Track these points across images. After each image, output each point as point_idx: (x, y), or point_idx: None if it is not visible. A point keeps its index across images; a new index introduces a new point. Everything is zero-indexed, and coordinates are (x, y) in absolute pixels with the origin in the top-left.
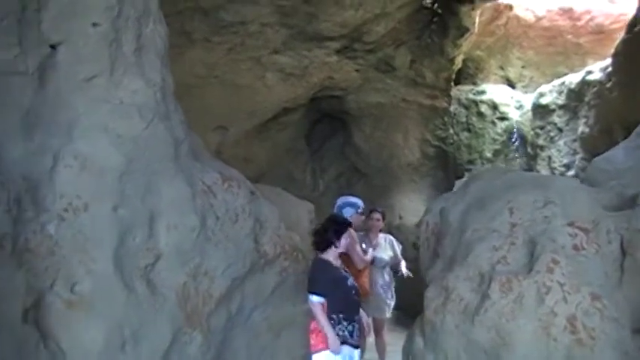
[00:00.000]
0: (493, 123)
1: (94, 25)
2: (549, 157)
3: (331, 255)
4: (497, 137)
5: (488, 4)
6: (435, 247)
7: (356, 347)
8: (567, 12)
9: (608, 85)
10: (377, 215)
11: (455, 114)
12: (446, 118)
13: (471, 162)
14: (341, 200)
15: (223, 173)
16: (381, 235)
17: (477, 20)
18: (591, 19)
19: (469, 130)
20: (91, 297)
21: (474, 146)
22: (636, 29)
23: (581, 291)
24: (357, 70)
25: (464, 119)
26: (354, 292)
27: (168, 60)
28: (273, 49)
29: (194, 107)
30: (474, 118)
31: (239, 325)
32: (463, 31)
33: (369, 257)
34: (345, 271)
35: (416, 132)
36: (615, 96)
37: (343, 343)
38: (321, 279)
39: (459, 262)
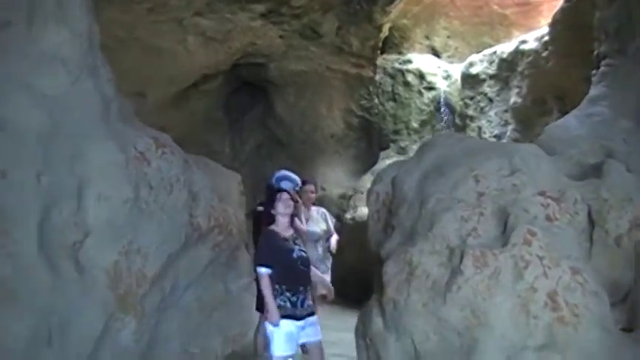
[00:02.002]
0: (420, 93)
1: None
2: (479, 128)
3: (280, 225)
4: (423, 107)
5: None
6: (388, 219)
7: (300, 318)
8: None
9: (544, 55)
10: (310, 187)
11: (380, 83)
12: (371, 88)
13: (396, 132)
14: (279, 174)
15: (157, 139)
16: (314, 208)
17: None
18: None
19: (395, 100)
20: (13, 284)
21: (400, 116)
22: None
23: (561, 265)
24: (281, 37)
25: (389, 89)
26: (300, 262)
27: (94, 6)
28: (195, 10)
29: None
30: (400, 88)
31: (172, 306)
32: None
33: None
34: (295, 241)
35: (340, 102)
36: (551, 65)
37: (284, 316)
38: (264, 250)
39: (422, 234)
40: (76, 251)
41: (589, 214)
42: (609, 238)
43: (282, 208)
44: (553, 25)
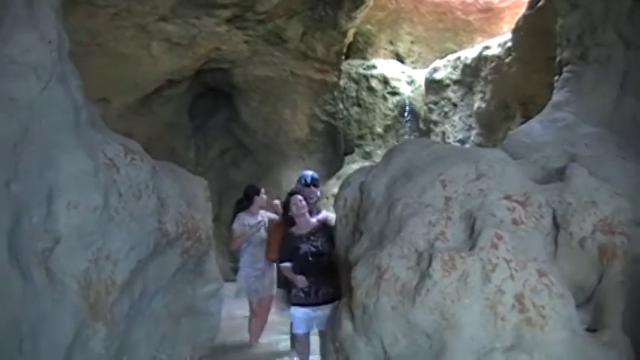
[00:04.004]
0: (384, 98)
1: None
2: (443, 133)
3: (299, 225)
4: (388, 112)
5: None
6: (356, 224)
7: (314, 305)
8: None
9: (507, 60)
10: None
11: (345, 88)
12: (336, 93)
13: (361, 137)
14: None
15: (126, 145)
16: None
17: None
18: None
19: (359, 105)
20: None
21: (365, 121)
22: (539, 5)
23: (527, 267)
24: (245, 42)
25: (354, 94)
26: (308, 256)
27: (62, 13)
28: (160, 16)
29: None
30: (365, 93)
31: (140, 313)
32: (358, 3)
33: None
34: (311, 237)
35: (305, 107)
36: (514, 71)
37: (298, 304)
38: (283, 250)
39: (391, 238)
40: (46, 258)
41: (554, 217)
42: (573, 240)
43: (295, 209)
44: (516, 31)
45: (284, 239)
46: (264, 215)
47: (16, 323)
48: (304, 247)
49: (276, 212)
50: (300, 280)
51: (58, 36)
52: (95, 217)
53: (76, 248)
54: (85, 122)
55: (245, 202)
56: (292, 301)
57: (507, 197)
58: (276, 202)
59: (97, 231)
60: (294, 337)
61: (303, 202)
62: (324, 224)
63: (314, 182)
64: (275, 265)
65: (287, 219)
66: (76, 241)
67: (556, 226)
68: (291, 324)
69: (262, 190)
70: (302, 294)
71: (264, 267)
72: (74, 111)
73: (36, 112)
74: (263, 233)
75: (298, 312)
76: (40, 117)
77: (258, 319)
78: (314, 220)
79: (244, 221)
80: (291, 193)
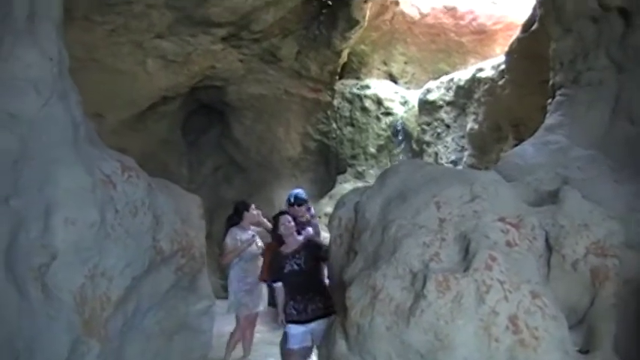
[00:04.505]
0: (377, 118)
1: None
2: (436, 153)
3: (287, 244)
4: (381, 132)
5: None
6: (351, 244)
7: (307, 321)
8: (451, 10)
9: (501, 83)
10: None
11: (338, 108)
12: (329, 112)
13: (353, 157)
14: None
15: (122, 162)
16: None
17: (368, 13)
18: (474, 19)
19: (352, 125)
20: None
21: (358, 141)
22: (532, 29)
23: (521, 289)
24: (240, 60)
25: (347, 114)
26: (292, 275)
27: (63, 30)
28: (156, 33)
29: None
30: (358, 113)
31: (133, 329)
32: (353, 23)
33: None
34: (295, 255)
35: (298, 125)
36: (507, 93)
37: (291, 321)
38: (272, 270)
39: (385, 259)
40: (43, 274)
41: (546, 239)
42: (566, 263)
43: (283, 229)
44: (509, 54)
45: (273, 259)
46: (256, 231)
47: (12, 339)
48: (288, 266)
49: (266, 229)
50: (281, 321)
51: (58, 52)
52: (92, 233)
53: (73, 264)
54: (84, 138)
55: (235, 218)
56: (287, 319)
57: (501, 219)
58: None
59: (93, 247)
60: (286, 353)
61: (292, 222)
62: (308, 241)
63: (297, 202)
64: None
65: (277, 238)
66: (72, 257)
67: (549, 248)
68: (283, 340)
69: (252, 206)
70: (294, 311)
71: (253, 282)
72: (73, 127)
73: (36, 128)
74: (254, 248)
75: (292, 329)
76: (40, 133)
77: (246, 332)
78: (300, 238)
79: (237, 236)
80: (280, 213)
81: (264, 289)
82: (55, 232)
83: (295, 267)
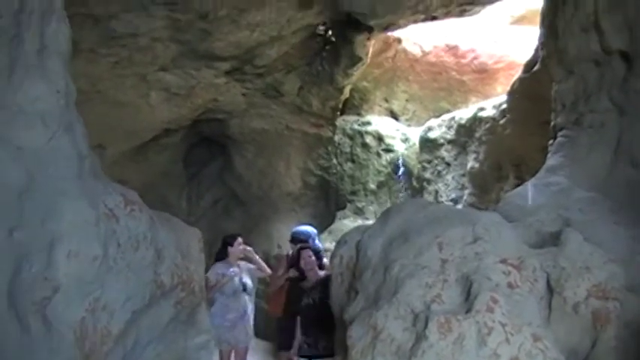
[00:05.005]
0: (378, 154)
1: None
2: (436, 191)
3: (305, 280)
4: (381, 169)
5: (380, 36)
6: (352, 283)
7: (316, 357)
8: (453, 49)
9: (502, 122)
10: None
11: (339, 144)
12: (330, 148)
13: (354, 193)
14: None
15: (125, 196)
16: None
17: (370, 51)
18: (475, 58)
19: (353, 161)
20: None
21: (358, 177)
22: (534, 69)
23: (522, 331)
24: (243, 94)
25: (348, 149)
26: (307, 309)
27: (71, 65)
28: (160, 66)
29: None
30: (359, 149)
31: None
32: (356, 60)
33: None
34: (311, 291)
35: (298, 161)
36: (508, 133)
37: (303, 355)
38: (291, 302)
39: (387, 299)
40: (44, 307)
41: (548, 281)
42: (567, 305)
43: (303, 264)
44: (511, 94)
45: (291, 292)
46: (244, 266)
47: None
48: (304, 300)
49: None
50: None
51: (66, 85)
52: (94, 267)
53: (74, 298)
54: (88, 171)
55: (223, 252)
56: (299, 353)
57: (503, 261)
58: (248, 248)
59: (95, 281)
60: None
61: (312, 257)
62: (327, 277)
63: (294, 240)
64: (250, 316)
65: (299, 271)
66: (74, 291)
67: (550, 290)
68: None
69: (238, 240)
70: (305, 345)
71: (236, 318)
72: (78, 160)
73: (42, 161)
74: (236, 284)
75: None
76: (46, 165)
77: None
78: (321, 273)
79: (218, 270)
80: (301, 248)
81: (249, 324)
82: (58, 266)
83: (311, 301)
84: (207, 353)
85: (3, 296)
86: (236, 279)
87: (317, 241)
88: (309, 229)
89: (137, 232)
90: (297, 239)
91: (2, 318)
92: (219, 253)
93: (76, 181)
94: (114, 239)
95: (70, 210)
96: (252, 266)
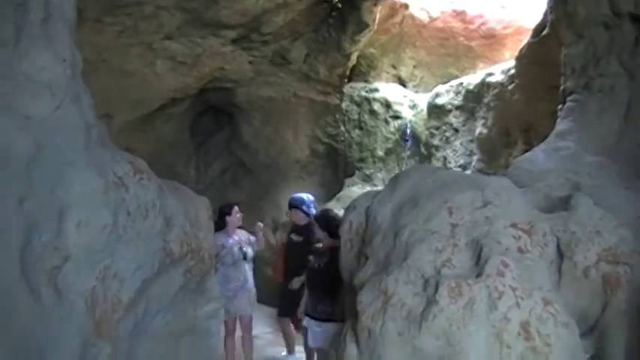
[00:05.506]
0: (386, 121)
1: None
2: (445, 158)
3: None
4: (389, 136)
5: (386, 2)
6: (361, 248)
7: (316, 319)
8: (460, 14)
9: (510, 88)
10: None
11: (347, 111)
12: (337, 115)
13: (362, 160)
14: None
15: (134, 164)
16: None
17: (377, 17)
18: (483, 24)
19: (361, 128)
20: None
21: (366, 144)
22: (543, 34)
23: (533, 295)
24: (250, 62)
25: (356, 117)
26: (312, 271)
27: (76, 34)
28: (166, 34)
29: None
30: (366, 116)
31: (142, 331)
32: (363, 26)
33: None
34: (319, 254)
35: (306, 128)
36: (516, 98)
37: (306, 314)
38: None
39: (397, 264)
40: (55, 276)
41: (558, 246)
42: (577, 270)
43: (317, 232)
44: (519, 59)
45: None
46: (243, 235)
47: (25, 341)
48: (312, 262)
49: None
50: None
51: (71, 55)
52: (104, 235)
53: (84, 266)
54: (96, 140)
55: (221, 223)
56: (305, 312)
57: (513, 225)
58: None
59: (105, 249)
60: (306, 350)
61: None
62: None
63: (290, 205)
64: (252, 285)
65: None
66: (84, 260)
67: (560, 254)
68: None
69: (235, 209)
70: (309, 306)
71: (237, 287)
72: (86, 129)
73: (50, 130)
74: (236, 254)
75: (306, 322)
76: (53, 135)
77: (244, 336)
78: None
79: (218, 241)
80: (316, 218)
81: (252, 293)
82: (68, 235)
83: (315, 265)
84: (217, 322)
85: (14, 266)
86: (235, 248)
87: (312, 208)
88: (304, 195)
89: (146, 200)
90: (291, 205)
91: (14, 287)
92: (216, 223)
93: (84, 150)
94: (123, 207)
95: (79, 179)
96: (252, 238)
